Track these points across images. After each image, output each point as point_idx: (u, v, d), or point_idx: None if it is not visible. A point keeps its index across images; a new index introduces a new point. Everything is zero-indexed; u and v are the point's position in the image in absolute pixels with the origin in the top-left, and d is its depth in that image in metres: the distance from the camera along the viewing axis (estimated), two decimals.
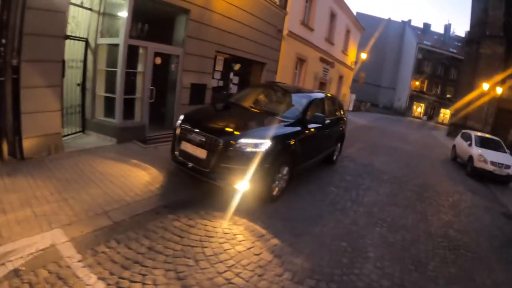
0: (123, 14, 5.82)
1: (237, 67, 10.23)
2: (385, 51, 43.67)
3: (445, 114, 41.35)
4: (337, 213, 4.59)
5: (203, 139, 4.02)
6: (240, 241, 3.32)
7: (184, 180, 4.53)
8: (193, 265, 2.79)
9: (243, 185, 3.87)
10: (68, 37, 5.35)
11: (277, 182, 4.31)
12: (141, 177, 4.44)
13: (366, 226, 4.32)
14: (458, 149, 11.73)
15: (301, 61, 14.94)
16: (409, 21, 47.20)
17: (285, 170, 4.45)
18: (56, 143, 4.88)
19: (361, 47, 23.51)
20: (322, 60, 16.90)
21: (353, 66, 23.16)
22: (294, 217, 4.11)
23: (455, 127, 21.29)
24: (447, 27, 45.81)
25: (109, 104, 6.20)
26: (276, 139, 4.07)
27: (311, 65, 15.53)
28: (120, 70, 5.86)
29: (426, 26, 46.75)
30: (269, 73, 11.81)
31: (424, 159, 10.83)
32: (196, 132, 4.13)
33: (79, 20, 5.99)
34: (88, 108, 6.24)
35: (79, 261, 2.58)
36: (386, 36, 42.17)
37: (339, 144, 7.38)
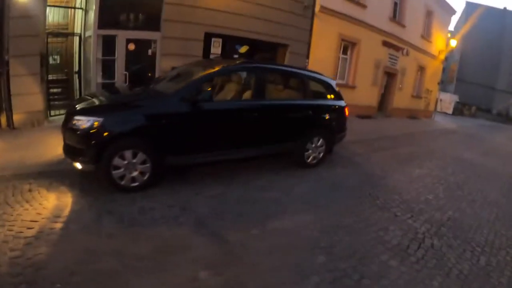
0: (94, 7, 6.71)
1: (243, 49, 9.20)
2: (501, 47, 34.63)
3: None
4: None
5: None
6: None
7: None
8: None
9: (80, 165, 3.50)
10: (66, 34, 7.62)
11: (122, 170, 3.49)
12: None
13: None
14: None
15: (350, 44, 12.48)
16: None
17: (139, 157, 3.55)
18: (38, 119, 6.02)
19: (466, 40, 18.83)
20: (387, 44, 13.81)
21: (442, 57, 18.71)
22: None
23: None
24: None
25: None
26: (118, 117, 3.53)
27: (367, 50, 12.76)
28: (92, 58, 6.89)
29: None
30: (294, 56, 10.00)
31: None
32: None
33: (77, 18, 7.50)
34: (83, 92, 7.45)
35: None
36: (502, 29, 33.51)
37: (321, 140, 5.29)
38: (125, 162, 3.47)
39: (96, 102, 3.90)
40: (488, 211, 4.66)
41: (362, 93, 13.04)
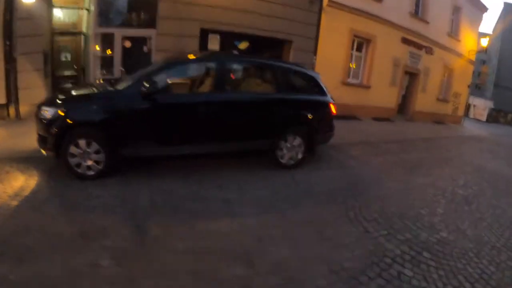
0: (92, 8, 7.30)
1: (242, 45, 8.96)
2: None
3: None
4: None
5: None
6: None
7: None
8: None
9: (45, 152, 3.74)
10: (74, 33, 7.71)
11: (78, 158, 3.63)
12: None
13: None
14: None
15: (364, 40, 11.57)
16: None
17: (93, 147, 3.66)
18: None
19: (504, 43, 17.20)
20: (407, 41, 12.67)
21: (472, 58, 17.08)
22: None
23: None
24: None
25: None
26: (75, 108, 3.70)
27: (385, 47, 11.76)
28: (91, 55, 7.51)
29: None
30: (300, 53, 9.47)
31: None
32: None
33: (84, 18, 7.71)
34: None
35: None
36: None
37: (298, 139, 4.77)
38: (80, 151, 3.61)
39: (65, 95, 4.09)
40: (497, 235, 3.76)
41: (378, 93, 12.07)
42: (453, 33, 15.28)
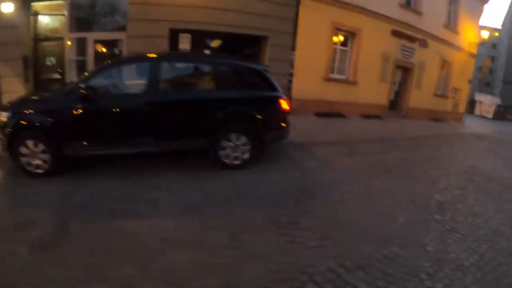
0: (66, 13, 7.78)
1: (214, 43, 8.74)
2: None
3: None
4: None
5: None
6: None
7: None
8: None
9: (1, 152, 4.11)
10: (57, 38, 8.08)
11: (27, 157, 3.87)
12: None
13: None
14: None
15: (349, 34, 10.86)
16: None
17: (39, 147, 3.89)
18: None
19: None
20: (398, 34, 11.93)
21: (473, 51, 16.13)
22: None
23: None
24: None
25: None
26: (16, 112, 3.95)
27: (372, 41, 11.01)
28: (66, 59, 8.03)
29: None
30: (276, 49, 8.98)
31: None
32: None
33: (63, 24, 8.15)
34: None
35: None
36: None
37: (242, 137, 4.50)
38: (29, 151, 3.86)
39: (17, 100, 4.36)
40: (469, 251, 3.01)
41: (367, 90, 11.33)
42: (451, 25, 14.44)
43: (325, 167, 5.23)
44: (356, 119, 10.70)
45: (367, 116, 11.27)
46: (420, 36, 12.77)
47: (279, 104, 4.74)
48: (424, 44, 13.03)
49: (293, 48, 9.41)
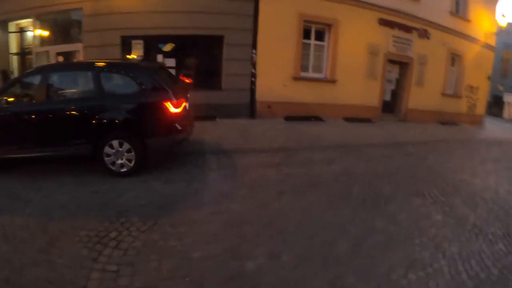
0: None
1: (167, 47, 8.48)
2: None
3: None
4: None
5: None
6: None
7: None
8: None
9: None
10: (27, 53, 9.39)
11: None
12: None
13: None
14: None
15: (325, 26, 9.38)
16: None
17: None
18: None
19: None
20: (388, 23, 10.23)
21: (491, 43, 13.82)
22: None
23: None
24: None
25: None
26: None
27: (354, 32, 9.41)
28: None
29: None
30: (234, 48, 8.28)
31: None
32: None
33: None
34: None
35: None
36: None
37: (125, 144, 4.39)
38: None
39: None
40: None
41: (349, 89, 9.78)
42: (460, 11, 12.42)
43: (225, 180, 4.14)
44: (336, 123, 9.19)
45: (352, 120, 9.68)
46: (418, 26, 10.97)
47: (164, 108, 4.41)
48: (424, 34, 11.19)
49: (254, 46, 8.44)
